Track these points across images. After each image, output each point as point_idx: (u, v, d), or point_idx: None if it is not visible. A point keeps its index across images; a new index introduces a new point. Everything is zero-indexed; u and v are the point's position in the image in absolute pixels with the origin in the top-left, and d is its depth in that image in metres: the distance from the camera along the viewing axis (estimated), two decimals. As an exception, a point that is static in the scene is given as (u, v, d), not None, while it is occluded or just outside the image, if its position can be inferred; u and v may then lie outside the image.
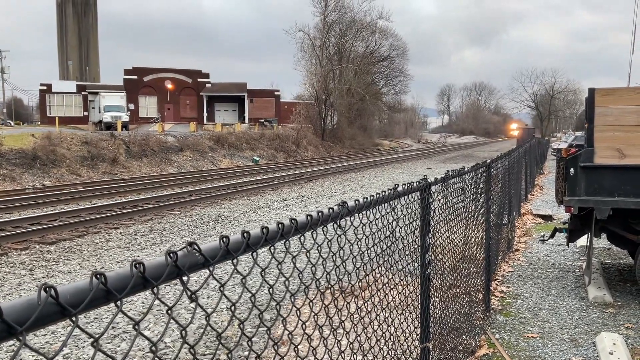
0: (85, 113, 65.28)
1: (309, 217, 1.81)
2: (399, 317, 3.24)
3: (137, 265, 1.08)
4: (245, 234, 1.44)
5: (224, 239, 1.35)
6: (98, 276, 0.99)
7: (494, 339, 6.16)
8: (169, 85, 67.54)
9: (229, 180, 26.48)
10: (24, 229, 12.89)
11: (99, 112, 53.35)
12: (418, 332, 3.61)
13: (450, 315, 5.20)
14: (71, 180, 26.24)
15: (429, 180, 3.66)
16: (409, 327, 3.36)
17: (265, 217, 15.58)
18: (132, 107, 62.65)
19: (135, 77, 66.68)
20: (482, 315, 6.75)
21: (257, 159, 42.24)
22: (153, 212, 15.93)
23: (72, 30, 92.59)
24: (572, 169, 7.34)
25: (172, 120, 65.19)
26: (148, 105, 67.76)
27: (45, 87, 65.79)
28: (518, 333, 6.39)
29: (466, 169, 5.27)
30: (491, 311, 7.08)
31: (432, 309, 4.30)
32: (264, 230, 1.54)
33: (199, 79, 69.60)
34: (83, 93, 66.17)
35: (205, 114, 69.25)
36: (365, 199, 2.35)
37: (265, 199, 19.55)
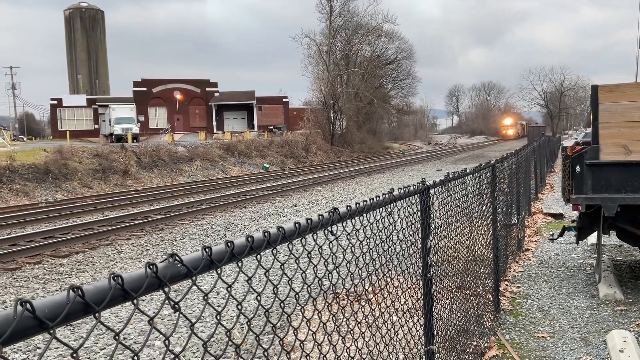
0: (96, 126, 65.91)
1: (297, 224, 1.84)
2: (400, 320, 3.25)
3: (116, 278, 1.11)
4: (229, 244, 1.47)
5: (207, 249, 1.38)
6: (75, 289, 1.02)
7: (504, 340, 6.14)
8: (178, 96, 68.02)
9: (239, 188, 26.57)
10: (37, 242, 13.02)
11: (110, 124, 53.80)
12: (420, 335, 3.61)
13: (459, 317, 5.19)
14: (83, 193, 26.47)
15: (427, 184, 3.67)
16: (410, 330, 3.37)
17: (275, 223, 15.62)
18: (142, 118, 63.07)
19: (145, 88, 67.27)
20: (492, 316, 6.72)
21: (267, 166, 42.34)
22: (164, 222, 16.03)
23: (81, 45, 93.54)
24: (578, 167, 7.30)
25: (181, 131, 65.61)
26: (158, 116, 68.30)
27: (55, 102, 66.60)
28: (528, 333, 6.36)
29: (468, 171, 5.27)
30: (501, 312, 7.06)
31: (440, 311, 4.30)
32: (249, 239, 1.57)
33: (207, 89, 70.01)
34: (93, 106, 66.87)
35: (214, 123, 69.63)
36: (357, 205, 2.38)
37: (275, 205, 19.61)
